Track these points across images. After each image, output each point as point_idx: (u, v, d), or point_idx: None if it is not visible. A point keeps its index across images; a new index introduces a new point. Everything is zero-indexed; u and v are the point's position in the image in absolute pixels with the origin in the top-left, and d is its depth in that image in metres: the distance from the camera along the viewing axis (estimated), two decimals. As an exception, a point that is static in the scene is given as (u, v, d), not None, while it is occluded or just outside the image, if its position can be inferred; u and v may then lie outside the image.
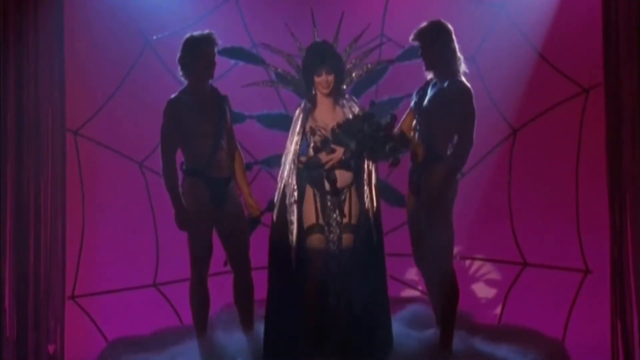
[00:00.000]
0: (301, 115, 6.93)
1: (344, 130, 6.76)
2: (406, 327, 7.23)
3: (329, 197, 6.86)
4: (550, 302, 7.85)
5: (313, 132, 6.90)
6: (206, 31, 7.16)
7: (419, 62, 7.20)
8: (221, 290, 7.37)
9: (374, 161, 6.85)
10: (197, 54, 7.10)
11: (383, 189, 7.73)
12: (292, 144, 6.91)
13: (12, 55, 7.39)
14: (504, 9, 7.98)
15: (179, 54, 7.15)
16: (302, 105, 7.01)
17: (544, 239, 7.93)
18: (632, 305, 7.16)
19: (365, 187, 6.90)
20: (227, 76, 7.63)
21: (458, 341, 7.05)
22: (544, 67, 7.93)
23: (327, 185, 6.85)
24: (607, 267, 7.30)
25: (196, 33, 7.16)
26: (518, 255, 7.91)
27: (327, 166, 6.83)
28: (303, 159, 6.86)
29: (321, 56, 6.91)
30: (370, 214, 6.89)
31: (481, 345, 7.12)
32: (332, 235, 6.88)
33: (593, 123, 7.67)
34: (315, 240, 6.87)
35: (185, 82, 7.19)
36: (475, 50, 7.95)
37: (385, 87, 7.74)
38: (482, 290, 8.07)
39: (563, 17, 7.86)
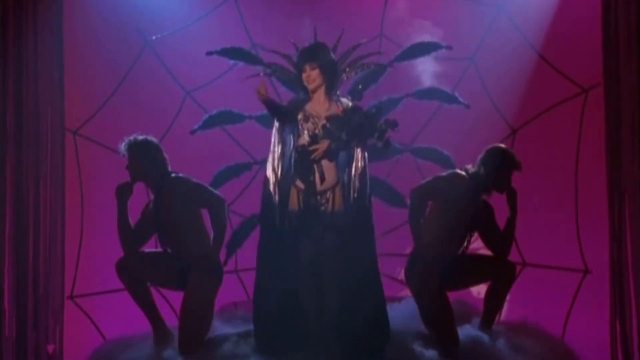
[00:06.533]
0: (278, 125, 6.98)
1: (334, 124, 6.91)
2: (405, 324, 7.26)
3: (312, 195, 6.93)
4: (549, 302, 7.85)
5: (306, 119, 6.97)
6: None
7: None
8: (221, 290, 7.37)
9: (363, 146, 6.93)
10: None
11: (383, 189, 7.75)
12: (276, 151, 6.97)
13: (12, 55, 7.38)
14: (504, 9, 7.98)
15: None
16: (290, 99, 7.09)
17: (543, 239, 7.93)
18: (631, 305, 7.17)
19: (355, 182, 6.92)
20: (226, 76, 7.63)
21: (463, 337, 7.10)
22: (544, 67, 7.93)
23: (317, 178, 6.90)
24: (607, 267, 7.30)
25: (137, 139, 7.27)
26: (518, 255, 7.90)
27: (313, 155, 6.90)
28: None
29: (307, 53, 6.99)
30: (357, 210, 6.92)
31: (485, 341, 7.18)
32: (316, 233, 6.90)
33: (593, 123, 7.66)
34: (300, 238, 6.91)
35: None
36: (475, 50, 7.96)
37: (385, 87, 7.74)
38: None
39: (563, 17, 7.86)
